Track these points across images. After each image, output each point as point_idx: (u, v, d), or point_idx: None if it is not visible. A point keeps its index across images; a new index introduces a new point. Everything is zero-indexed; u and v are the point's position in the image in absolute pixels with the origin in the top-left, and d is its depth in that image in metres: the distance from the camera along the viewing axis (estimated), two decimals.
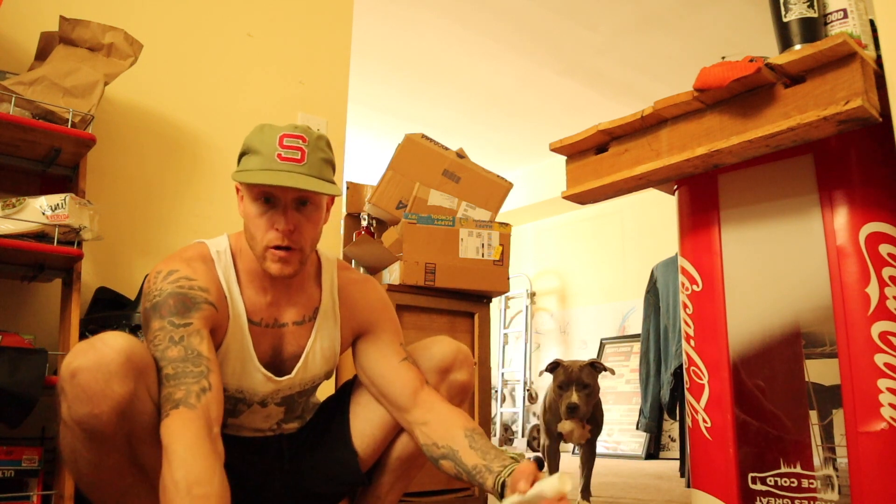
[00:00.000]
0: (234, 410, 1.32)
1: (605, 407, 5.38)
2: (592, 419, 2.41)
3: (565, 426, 2.39)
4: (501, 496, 1.12)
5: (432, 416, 1.28)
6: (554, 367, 2.43)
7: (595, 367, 2.39)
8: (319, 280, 1.37)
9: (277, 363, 1.32)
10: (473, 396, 2.40)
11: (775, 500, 1.42)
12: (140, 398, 1.08)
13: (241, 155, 1.25)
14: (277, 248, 1.20)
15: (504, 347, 6.62)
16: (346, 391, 1.44)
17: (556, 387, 2.38)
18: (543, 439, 2.55)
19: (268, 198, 1.20)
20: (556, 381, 2.39)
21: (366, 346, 1.38)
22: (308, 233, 1.24)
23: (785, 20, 1.42)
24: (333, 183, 1.24)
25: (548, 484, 1.03)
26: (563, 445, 2.51)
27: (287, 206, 1.21)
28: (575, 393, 2.31)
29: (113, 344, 1.06)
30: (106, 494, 1.15)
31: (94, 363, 1.03)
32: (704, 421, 1.53)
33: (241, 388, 1.29)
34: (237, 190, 1.29)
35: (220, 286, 1.25)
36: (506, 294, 3.45)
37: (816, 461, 1.40)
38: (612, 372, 2.77)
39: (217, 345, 1.24)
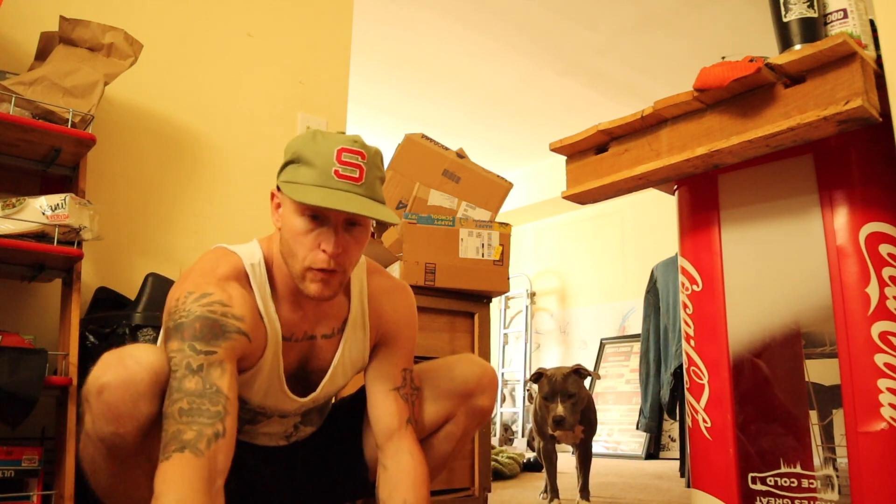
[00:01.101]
0: (253, 420, 1.29)
1: (605, 407, 5.40)
2: (585, 420, 2.38)
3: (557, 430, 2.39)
4: None
5: (392, 465, 1.22)
6: (538, 377, 2.35)
7: (580, 373, 2.32)
8: (348, 289, 1.29)
9: (302, 376, 1.27)
10: None
11: (775, 500, 1.42)
12: None
13: (290, 163, 1.14)
14: (321, 269, 1.12)
15: (504, 347, 6.62)
16: (361, 399, 1.37)
17: (542, 398, 2.32)
18: (537, 441, 2.54)
19: (317, 215, 1.11)
20: (540, 392, 2.33)
21: (374, 358, 1.32)
22: (354, 255, 1.16)
23: (785, 20, 1.42)
24: (384, 203, 1.16)
25: None
26: (563, 446, 2.50)
27: (337, 227, 1.12)
28: (560, 404, 2.24)
29: (142, 360, 1.00)
30: (122, 502, 1.14)
31: (122, 381, 0.98)
32: (704, 421, 1.53)
33: (263, 405, 1.26)
34: (272, 196, 1.20)
35: (257, 310, 1.16)
36: (506, 294, 3.45)
37: (816, 461, 1.39)
38: (598, 377, 2.72)
39: (250, 366, 1.17)
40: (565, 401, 2.25)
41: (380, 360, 1.31)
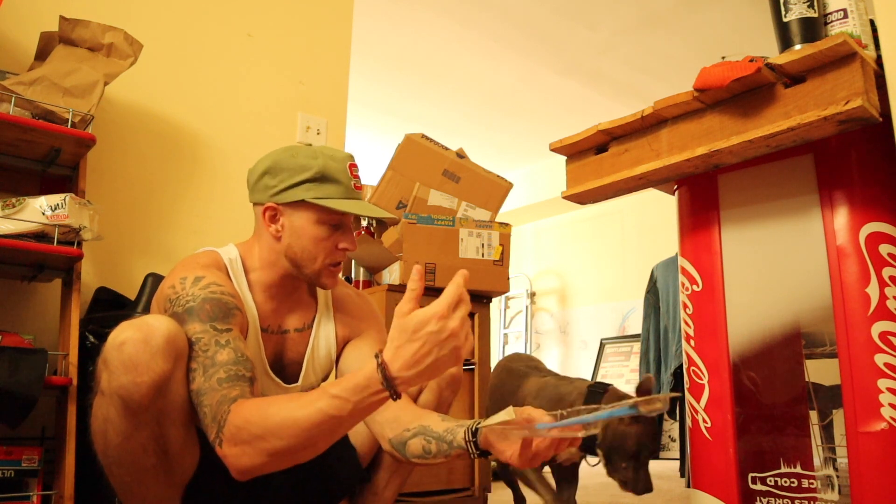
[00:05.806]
0: None
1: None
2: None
3: None
4: (475, 438, 1.12)
5: (403, 413, 1.25)
6: None
7: None
8: (314, 291, 1.43)
9: (279, 369, 1.36)
10: (473, 396, 2.40)
11: (775, 500, 1.42)
12: (176, 380, 1.11)
13: (310, 180, 1.26)
14: (336, 264, 1.32)
15: (504, 347, 6.62)
16: None
17: None
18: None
19: (337, 224, 1.29)
20: None
21: (349, 349, 1.41)
22: None
23: (785, 20, 1.42)
24: None
25: (503, 412, 1.08)
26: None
27: (349, 229, 1.33)
28: None
29: (159, 325, 1.10)
30: (127, 471, 1.16)
31: (141, 337, 1.07)
32: (704, 421, 1.53)
33: None
34: (267, 209, 1.29)
35: (239, 293, 1.28)
36: (506, 294, 3.45)
37: (816, 461, 1.40)
38: None
39: None
40: None
41: (359, 346, 1.40)
